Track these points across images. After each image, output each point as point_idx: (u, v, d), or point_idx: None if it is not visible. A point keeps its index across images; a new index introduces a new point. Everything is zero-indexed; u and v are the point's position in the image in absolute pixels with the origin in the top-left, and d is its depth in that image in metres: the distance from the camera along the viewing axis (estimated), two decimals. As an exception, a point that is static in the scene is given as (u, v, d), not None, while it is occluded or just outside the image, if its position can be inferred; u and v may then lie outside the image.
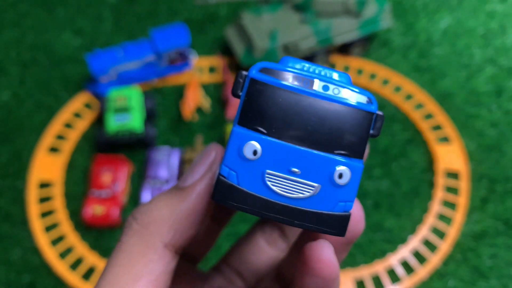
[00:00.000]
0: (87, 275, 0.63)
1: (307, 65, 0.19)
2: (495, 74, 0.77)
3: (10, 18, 0.85)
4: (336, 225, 0.17)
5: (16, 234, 0.66)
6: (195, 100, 0.72)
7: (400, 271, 0.61)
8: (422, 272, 0.61)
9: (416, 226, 0.64)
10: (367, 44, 0.77)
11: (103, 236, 0.65)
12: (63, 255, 0.64)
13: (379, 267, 0.61)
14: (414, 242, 0.63)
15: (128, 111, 0.68)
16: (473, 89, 0.76)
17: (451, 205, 0.65)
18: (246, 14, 0.73)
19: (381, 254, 0.63)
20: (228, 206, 0.18)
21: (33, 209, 0.66)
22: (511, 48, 0.79)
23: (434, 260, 0.61)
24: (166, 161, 0.68)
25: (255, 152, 0.17)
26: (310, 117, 0.17)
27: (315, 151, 0.17)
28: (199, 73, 0.77)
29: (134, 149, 0.71)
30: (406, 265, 0.62)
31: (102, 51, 0.74)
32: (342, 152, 0.17)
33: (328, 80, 0.18)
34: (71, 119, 0.73)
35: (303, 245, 0.19)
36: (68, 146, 0.71)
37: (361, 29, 0.73)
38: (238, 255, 0.25)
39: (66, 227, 0.65)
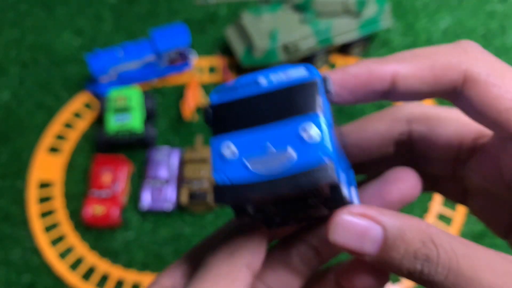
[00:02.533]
0: (87, 275, 0.63)
1: (256, 74, 0.21)
2: (495, 74, 0.77)
3: (10, 18, 0.85)
4: (323, 174, 0.18)
5: (16, 234, 0.66)
6: (195, 100, 0.72)
7: (400, 271, 0.61)
8: (422, 272, 0.61)
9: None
10: (367, 44, 0.77)
11: (103, 236, 0.65)
12: (63, 255, 0.64)
13: (379, 267, 0.61)
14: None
15: (128, 111, 0.68)
16: (473, 89, 0.76)
17: (451, 205, 0.65)
18: (246, 14, 0.73)
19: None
20: (231, 203, 0.19)
21: (33, 209, 0.66)
22: (511, 48, 0.79)
23: (434, 260, 0.61)
24: (166, 161, 0.68)
25: (230, 149, 0.19)
26: (264, 105, 0.19)
27: (276, 123, 0.19)
28: (199, 73, 0.77)
29: (134, 149, 0.71)
30: (406, 265, 0.62)
31: (102, 51, 0.74)
32: (299, 113, 0.19)
33: (268, 72, 0.20)
34: (71, 119, 0.73)
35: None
36: (68, 146, 0.71)
37: (361, 29, 0.73)
38: (274, 275, 0.24)
39: (66, 227, 0.65)
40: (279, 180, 0.18)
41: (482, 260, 0.18)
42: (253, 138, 0.19)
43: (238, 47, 0.73)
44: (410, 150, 0.25)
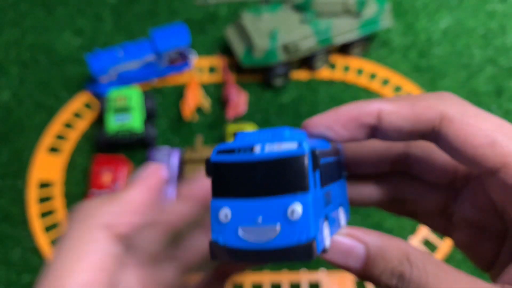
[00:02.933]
0: (87, 275, 0.63)
1: (254, 135, 0.22)
2: (495, 74, 0.77)
3: (10, 18, 0.85)
4: (303, 253, 0.20)
5: (16, 234, 0.66)
6: (195, 100, 0.72)
7: (400, 271, 0.61)
8: (422, 272, 0.61)
9: (416, 226, 0.64)
10: (367, 44, 0.77)
11: (103, 236, 0.65)
12: (63, 255, 0.64)
13: (379, 267, 0.61)
14: (414, 242, 0.63)
15: (128, 111, 0.68)
16: (473, 89, 0.76)
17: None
18: (246, 14, 0.73)
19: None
20: (224, 262, 0.22)
21: (33, 209, 0.66)
22: (511, 48, 0.79)
23: (434, 260, 0.61)
24: (166, 161, 0.68)
25: (226, 216, 0.21)
26: (257, 175, 0.21)
27: (268, 198, 0.21)
28: (199, 73, 0.77)
29: (134, 149, 0.71)
30: (406, 265, 0.62)
31: (102, 51, 0.74)
32: (289, 192, 0.20)
33: (264, 141, 0.22)
34: (71, 119, 0.73)
35: None
36: (68, 146, 0.71)
37: (361, 29, 0.73)
38: None
39: (66, 227, 0.65)
40: (265, 251, 0.20)
41: (450, 280, 0.20)
42: (248, 209, 0.21)
43: (238, 47, 0.73)
44: (405, 170, 0.28)
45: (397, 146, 0.27)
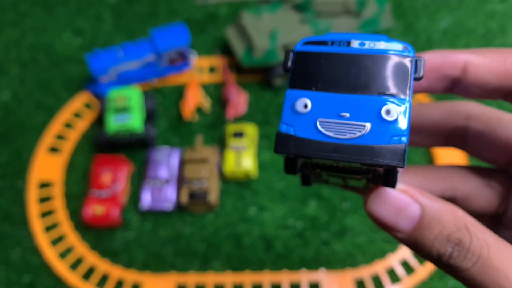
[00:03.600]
0: (87, 275, 0.63)
1: (347, 34, 0.20)
2: (495, 74, 0.77)
3: (10, 18, 0.85)
4: (393, 155, 0.18)
5: (16, 234, 0.66)
6: (195, 100, 0.72)
7: (400, 271, 0.61)
8: (422, 272, 0.61)
9: (416, 226, 0.64)
10: (367, 44, 0.77)
11: (103, 236, 0.65)
12: (63, 255, 0.64)
13: (379, 267, 0.61)
14: (414, 242, 0.63)
15: (128, 111, 0.68)
16: (473, 89, 0.75)
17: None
18: (246, 14, 0.73)
19: (381, 254, 0.63)
20: (289, 154, 0.19)
21: (33, 209, 0.66)
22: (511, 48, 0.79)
23: (434, 260, 0.61)
24: (166, 161, 0.68)
25: (306, 106, 0.19)
26: (350, 69, 0.19)
27: (361, 95, 0.19)
28: (199, 73, 0.77)
29: (134, 149, 0.71)
30: (406, 265, 0.62)
31: (102, 51, 0.74)
32: (387, 92, 0.19)
33: (364, 37, 0.20)
34: (71, 119, 0.73)
35: None
36: (68, 146, 0.71)
37: (361, 29, 0.73)
38: None
39: (66, 227, 0.65)
40: (346, 147, 0.18)
41: None
42: (332, 103, 0.19)
43: (238, 47, 0.73)
44: (460, 147, 0.25)
45: (457, 118, 0.25)
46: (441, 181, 0.25)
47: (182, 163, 0.68)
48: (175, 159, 0.69)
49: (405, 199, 0.20)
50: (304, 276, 0.61)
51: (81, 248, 0.64)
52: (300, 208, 0.66)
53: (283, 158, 0.22)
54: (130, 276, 0.62)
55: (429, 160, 0.69)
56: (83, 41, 0.81)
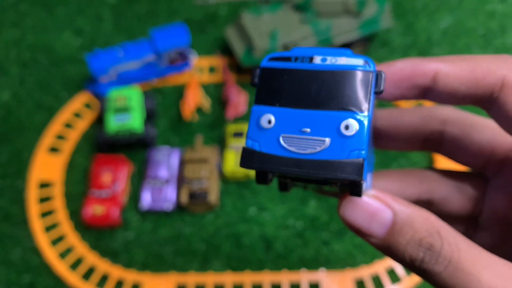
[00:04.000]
0: (87, 275, 0.63)
1: (312, 49, 0.21)
2: (495, 74, 0.77)
3: (10, 18, 0.85)
4: (351, 170, 0.19)
5: (16, 234, 0.66)
6: (195, 100, 0.72)
7: (400, 271, 0.61)
8: (422, 272, 0.61)
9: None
10: (367, 44, 0.77)
11: (103, 236, 0.65)
12: (63, 255, 0.64)
13: (379, 267, 0.61)
14: (414, 242, 0.63)
15: (128, 111, 0.68)
16: (473, 89, 0.75)
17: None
18: (246, 14, 0.73)
19: (381, 254, 0.63)
20: (254, 169, 0.20)
21: (33, 209, 0.66)
22: (511, 48, 0.79)
23: (434, 260, 0.61)
24: (166, 161, 0.68)
25: (269, 121, 0.20)
26: (312, 85, 0.20)
27: (321, 111, 0.19)
28: (199, 73, 0.77)
29: (134, 149, 0.71)
30: (406, 265, 0.62)
31: (102, 51, 0.74)
32: (346, 108, 0.19)
33: (326, 53, 0.20)
34: (71, 119, 0.73)
35: None
36: (68, 146, 0.71)
37: (361, 29, 0.73)
38: None
39: (66, 227, 0.65)
40: (307, 162, 0.19)
41: (483, 260, 0.18)
42: (294, 118, 0.20)
43: (238, 47, 0.73)
44: (437, 151, 0.26)
45: (433, 123, 0.25)
46: (418, 184, 0.26)
47: (182, 163, 0.68)
48: (175, 159, 0.69)
49: (376, 205, 0.20)
50: (304, 276, 0.61)
51: (81, 248, 0.64)
52: (300, 208, 0.66)
53: None
54: (130, 276, 0.62)
55: (429, 160, 0.69)
56: (83, 41, 0.81)
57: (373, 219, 0.20)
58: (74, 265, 0.63)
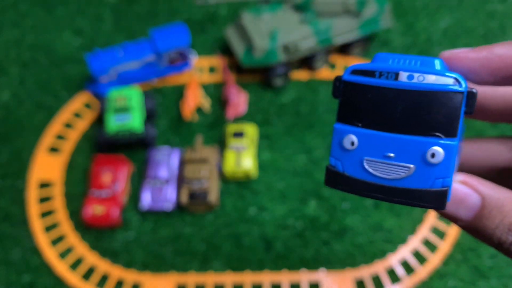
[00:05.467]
0: (87, 275, 0.63)
1: (397, 59, 0.20)
2: (495, 74, 0.77)
3: (10, 18, 0.85)
4: (434, 199, 0.18)
5: (16, 234, 0.66)
6: (195, 100, 0.72)
7: (400, 271, 0.61)
8: (422, 272, 0.61)
9: (416, 226, 0.64)
10: (367, 44, 0.77)
11: (103, 236, 0.65)
12: (63, 255, 0.64)
13: (379, 267, 0.61)
14: (414, 242, 0.63)
15: (128, 111, 0.68)
16: (473, 89, 0.75)
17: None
18: (246, 14, 0.73)
19: (381, 254, 0.63)
20: (339, 190, 0.20)
21: (33, 209, 0.66)
22: (511, 48, 0.79)
23: (434, 260, 0.61)
24: (166, 161, 0.68)
25: (352, 143, 0.19)
26: (397, 105, 0.19)
27: (407, 136, 0.19)
28: (199, 73, 0.77)
29: (134, 149, 0.71)
30: (406, 265, 0.62)
31: (102, 51, 0.74)
32: (434, 133, 0.19)
33: (413, 69, 0.19)
34: (71, 119, 0.73)
35: None
36: (68, 146, 0.71)
37: (361, 29, 0.73)
38: None
39: (66, 227, 0.65)
40: (390, 188, 0.19)
41: None
42: (378, 142, 0.19)
43: (238, 47, 0.73)
44: None
45: None
46: (509, 152, 0.25)
47: (182, 163, 0.68)
48: (175, 159, 0.69)
49: (464, 190, 0.20)
50: (304, 276, 0.61)
51: (81, 248, 0.64)
52: (300, 208, 0.66)
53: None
54: (130, 276, 0.62)
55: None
56: (83, 41, 0.81)
57: (461, 204, 0.20)
58: (74, 265, 0.63)
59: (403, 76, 0.19)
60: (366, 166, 0.19)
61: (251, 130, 0.69)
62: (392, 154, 0.19)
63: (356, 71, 0.20)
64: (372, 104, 0.19)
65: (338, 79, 0.20)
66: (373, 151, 0.19)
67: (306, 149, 0.70)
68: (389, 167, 0.19)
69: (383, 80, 0.19)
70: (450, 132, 0.18)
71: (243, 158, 0.67)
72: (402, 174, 0.19)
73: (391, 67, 0.19)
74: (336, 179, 0.20)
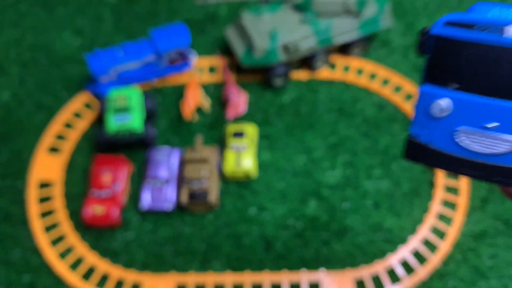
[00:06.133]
0: (87, 275, 0.63)
1: (499, 11, 0.17)
2: (495, 74, 0.77)
3: (10, 18, 0.85)
4: None
5: (16, 234, 0.66)
6: (195, 100, 0.72)
7: (400, 271, 0.61)
8: (422, 272, 0.61)
9: (416, 226, 0.64)
10: (367, 44, 0.77)
11: (103, 236, 0.65)
12: (63, 255, 0.64)
13: (379, 267, 0.61)
14: (414, 242, 0.63)
15: (128, 111, 0.68)
16: (473, 89, 0.75)
17: (451, 205, 0.65)
18: (246, 14, 0.73)
19: (381, 254, 0.63)
20: (419, 163, 0.17)
21: (33, 209, 0.66)
22: (511, 48, 0.79)
23: (434, 260, 0.61)
24: (166, 161, 0.68)
25: (442, 110, 0.16)
26: (504, 67, 0.16)
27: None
28: (199, 73, 0.77)
29: (134, 149, 0.71)
30: (406, 265, 0.62)
31: (102, 51, 0.74)
32: None
33: None
34: (71, 119, 0.73)
35: None
36: (68, 146, 0.71)
37: (361, 29, 0.73)
38: None
39: (66, 227, 0.65)
40: (485, 165, 0.16)
41: None
42: (476, 109, 0.16)
43: (238, 47, 0.73)
44: None
45: None
46: None
47: (182, 163, 0.68)
48: (175, 159, 0.69)
49: None
50: (304, 276, 0.61)
51: (81, 248, 0.64)
52: (300, 208, 0.66)
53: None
54: (130, 276, 0.62)
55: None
56: (83, 41, 0.81)
57: None
58: (74, 265, 0.63)
59: (509, 30, 0.16)
60: (457, 138, 0.16)
61: (251, 130, 0.69)
62: (493, 125, 0.16)
63: (451, 23, 0.17)
64: (471, 64, 0.16)
65: (425, 32, 0.17)
66: (469, 120, 0.16)
67: (306, 149, 0.70)
68: (487, 140, 0.16)
69: (485, 34, 0.16)
70: None
71: (243, 158, 0.67)
72: (501, 150, 0.16)
73: (495, 20, 0.16)
74: (418, 152, 0.17)
